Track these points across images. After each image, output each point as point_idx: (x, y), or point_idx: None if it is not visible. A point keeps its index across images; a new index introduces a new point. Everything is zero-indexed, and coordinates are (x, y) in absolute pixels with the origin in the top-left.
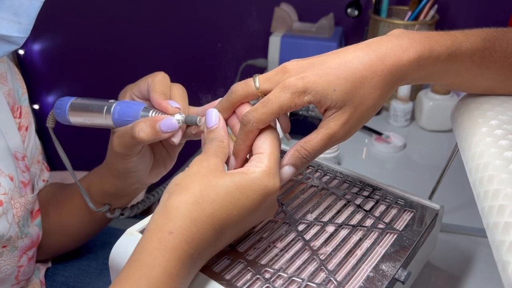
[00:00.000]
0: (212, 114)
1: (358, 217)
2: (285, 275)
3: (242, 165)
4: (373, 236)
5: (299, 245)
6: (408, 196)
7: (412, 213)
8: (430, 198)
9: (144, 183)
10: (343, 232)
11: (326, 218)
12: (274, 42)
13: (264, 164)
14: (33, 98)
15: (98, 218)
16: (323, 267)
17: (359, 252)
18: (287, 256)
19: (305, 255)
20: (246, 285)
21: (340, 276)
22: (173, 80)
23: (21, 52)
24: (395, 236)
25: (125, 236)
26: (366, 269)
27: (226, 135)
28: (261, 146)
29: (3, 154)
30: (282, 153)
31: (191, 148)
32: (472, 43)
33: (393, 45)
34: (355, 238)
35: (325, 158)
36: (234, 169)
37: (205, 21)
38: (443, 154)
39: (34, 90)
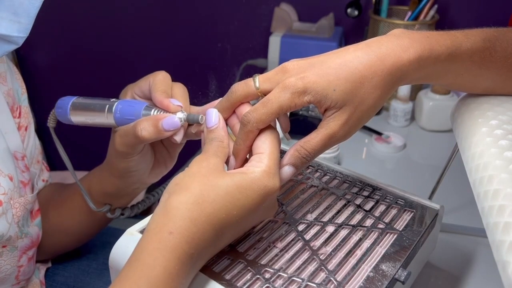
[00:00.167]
0: (212, 114)
1: (358, 217)
2: (285, 275)
3: (242, 165)
4: (373, 236)
5: (299, 245)
6: (408, 196)
7: (412, 213)
8: (430, 198)
9: (145, 183)
10: (343, 232)
11: (326, 218)
12: (274, 42)
13: (264, 164)
14: (33, 98)
15: (98, 218)
16: (323, 267)
17: (359, 252)
18: (287, 256)
19: (305, 255)
20: (246, 285)
21: (340, 276)
22: (173, 80)
23: (21, 52)
24: (395, 236)
25: (125, 236)
26: (366, 269)
27: (226, 135)
28: (261, 146)
29: (2, 154)
30: (282, 153)
31: (191, 148)
32: (472, 43)
33: (393, 45)
34: (355, 238)
35: (325, 158)
36: (234, 169)
37: (205, 21)
38: (443, 154)
39: (34, 90)
